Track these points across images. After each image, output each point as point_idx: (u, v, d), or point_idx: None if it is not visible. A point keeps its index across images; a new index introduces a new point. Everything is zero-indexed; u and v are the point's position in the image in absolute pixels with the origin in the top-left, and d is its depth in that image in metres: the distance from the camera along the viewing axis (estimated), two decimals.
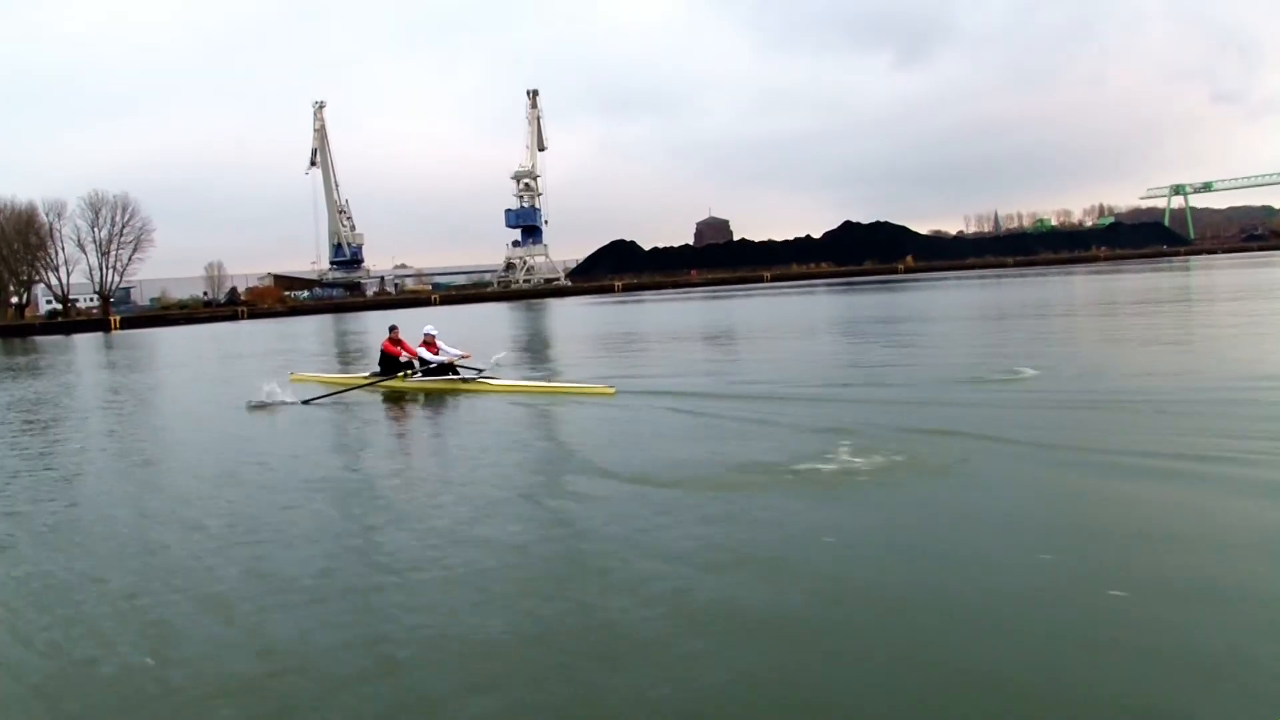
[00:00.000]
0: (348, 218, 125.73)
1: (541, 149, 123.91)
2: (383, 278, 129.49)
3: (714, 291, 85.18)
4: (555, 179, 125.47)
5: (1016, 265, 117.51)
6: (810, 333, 25.70)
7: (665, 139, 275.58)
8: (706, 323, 34.42)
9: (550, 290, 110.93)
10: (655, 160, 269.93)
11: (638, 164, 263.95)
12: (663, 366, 17.50)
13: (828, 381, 13.57)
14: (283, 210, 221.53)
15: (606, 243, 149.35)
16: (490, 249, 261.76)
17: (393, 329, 16.28)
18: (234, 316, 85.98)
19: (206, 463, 9.90)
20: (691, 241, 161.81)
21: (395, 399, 14.82)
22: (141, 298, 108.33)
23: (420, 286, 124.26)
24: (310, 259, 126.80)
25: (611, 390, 13.12)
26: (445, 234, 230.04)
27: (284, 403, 14.06)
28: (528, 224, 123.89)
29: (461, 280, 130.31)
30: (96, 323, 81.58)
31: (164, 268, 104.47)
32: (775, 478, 7.61)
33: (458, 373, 15.39)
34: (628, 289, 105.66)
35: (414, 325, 17.90)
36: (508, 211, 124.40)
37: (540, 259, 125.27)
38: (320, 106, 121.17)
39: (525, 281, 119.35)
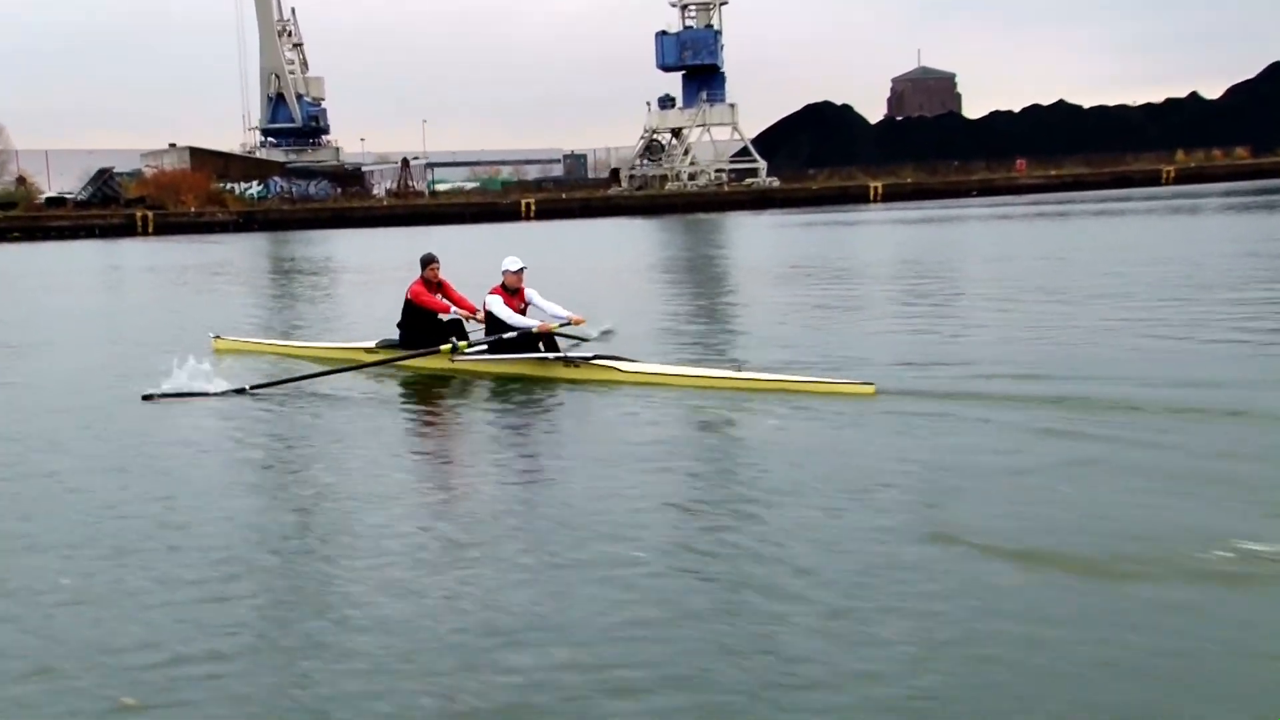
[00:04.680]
0: (296, 47, 75.69)
1: None
2: (405, 159, 78.47)
3: (1068, 203, 49.07)
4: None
5: None
6: None
7: None
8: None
9: (744, 195, 64.10)
10: None
11: None
12: (968, 349, 11.41)
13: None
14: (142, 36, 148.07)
15: (796, 109, 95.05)
16: (544, 127, 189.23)
17: (429, 264, 11.16)
18: (129, 229, 54.95)
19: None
20: (885, 110, 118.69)
21: (424, 387, 10.59)
22: None
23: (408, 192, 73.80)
24: (238, 126, 79.37)
25: (870, 388, 8.89)
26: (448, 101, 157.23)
27: (204, 393, 9.76)
28: (700, 62, 73.08)
29: (460, 178, 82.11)
30: None
31: None
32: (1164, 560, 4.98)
33: (556, 348, 10.48)
34: (890, 197, 65.65)
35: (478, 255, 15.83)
36: (660, 37, 73.55)
37: (721, 130, 74.22)
38: None
39: (689, 178, 69.73)
